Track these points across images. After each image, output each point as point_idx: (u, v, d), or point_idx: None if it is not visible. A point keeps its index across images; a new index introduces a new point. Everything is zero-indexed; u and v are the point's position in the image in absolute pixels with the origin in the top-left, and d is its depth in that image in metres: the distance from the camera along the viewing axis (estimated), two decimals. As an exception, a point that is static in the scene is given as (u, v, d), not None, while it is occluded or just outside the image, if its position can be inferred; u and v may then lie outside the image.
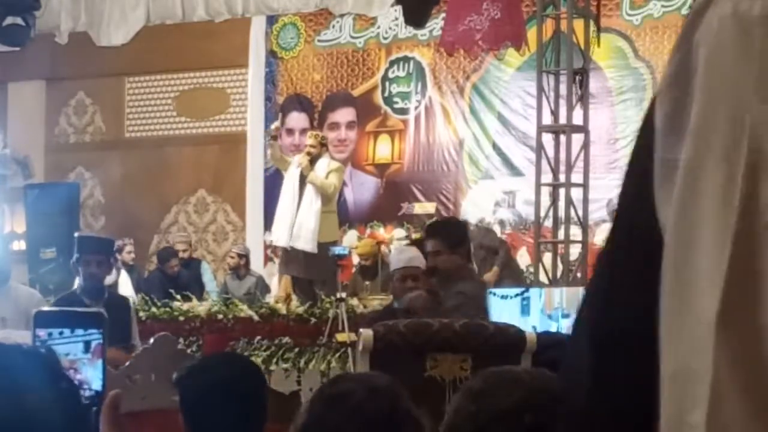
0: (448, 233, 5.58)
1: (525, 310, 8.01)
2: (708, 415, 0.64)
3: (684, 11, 11.98)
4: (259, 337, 8.50)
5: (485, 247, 10.11)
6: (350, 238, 12.18)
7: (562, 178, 10.14)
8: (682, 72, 0.71)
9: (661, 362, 0.68)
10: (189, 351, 7.59)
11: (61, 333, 1.41)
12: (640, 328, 0.71)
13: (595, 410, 0.80)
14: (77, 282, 6.09)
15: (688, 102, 0.70)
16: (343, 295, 8.30)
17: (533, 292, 8.33)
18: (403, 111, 12.83)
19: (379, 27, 12.91)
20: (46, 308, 3.29)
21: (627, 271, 0.78)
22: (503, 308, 7.80)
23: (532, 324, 7.28)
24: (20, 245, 11.96)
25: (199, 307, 9.14)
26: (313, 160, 9.36)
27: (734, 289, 0.65)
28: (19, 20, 11.61)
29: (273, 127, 10.19)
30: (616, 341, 0.78)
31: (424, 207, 12.50)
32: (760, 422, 0.63)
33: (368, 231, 12.61)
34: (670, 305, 0.68)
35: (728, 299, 0.65)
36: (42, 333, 1.42)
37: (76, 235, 6.55)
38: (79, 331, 1.42)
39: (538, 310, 8.01)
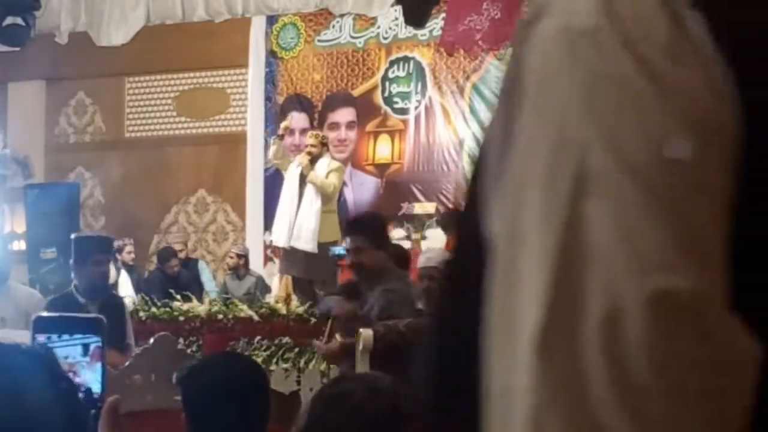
0: (373, 229, 5.42)
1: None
2: None
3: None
4: (259, 337, 8.50)
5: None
6: (350, 238, 12.16)
7: (562, 178, 10.14)
8: (513, 84, 0.69)
9: (486, 378, 0.66)
10: (189, 351, 7.59)
11: (60, 337, 1.41)
12: (471, 340, 0.70)
13: (430, 417, 0.80)
14: (74, 282, 6.08)
15: (517, 115, 0.68)
16: (343, 295, 8.30)
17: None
18: (403, 111, 12.83)
19: (379, 27, 12.91)
20: (45, 314, 3.29)
21: (462, 282, 0.76)
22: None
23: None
24: (20, 245, 11.95)
25: (199, 307, 9.14)
26: (313, 160, 9.36)
27: (556, 310, 0.63)
28: (19, 20, 11.60)
29: (282, 126, 10.19)
30: (450, 351, 0.77)
31: (424, 207, 12.50)
32: None
33: (368, 231, 12.59)
34: (495, 322, 0.67)
35: (549, 319, 0.63)
36: (41, 338, 1.42)
37: (73, 236, 6.53)
38: (78, 335, 1.42)
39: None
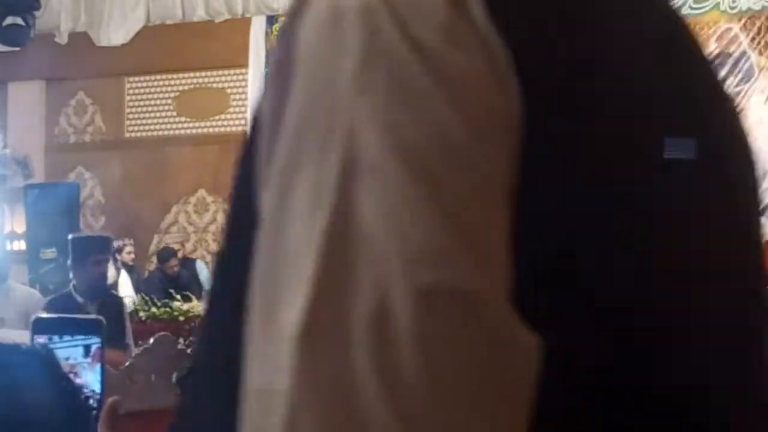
0: None
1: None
2: None
3: (684, 11, 11.97)
4: (259, 337, 8.50)
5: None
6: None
7: (562, 178, 10.13)
8: (284, 63, 0.66)
9: (245, 371, 0.62)
10: (189, 351, 7.59)
11: (61, 337, 1.41)
12: (236, 331, 0.64)
13: (187, 396, 0.76)
14: (72, 282, 6.07)
15: (287, 97, 0.65)
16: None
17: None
18: (403, 111, 12.82)
19: (379, 27, 12.91)
20: (44, 315, 3.30)
21: (232, 264, 0.71)
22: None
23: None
24: (20, 245, 11.96)
25: (199, 307, 9.14)
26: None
27: (321, 304, 0.59)
28: (19, 20, 11.60)
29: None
30: (214, 340, 0.72)
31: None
32: None
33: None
34: (256, 313, 0.62)
35: (314, 314, 0.59)
36: (41, 339, 1.42)
37: (71, 236, 6.52)
38: (79, 336, 1.42)
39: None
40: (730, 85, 11.67)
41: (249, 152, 0.69)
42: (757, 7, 11.74)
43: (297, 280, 0.60)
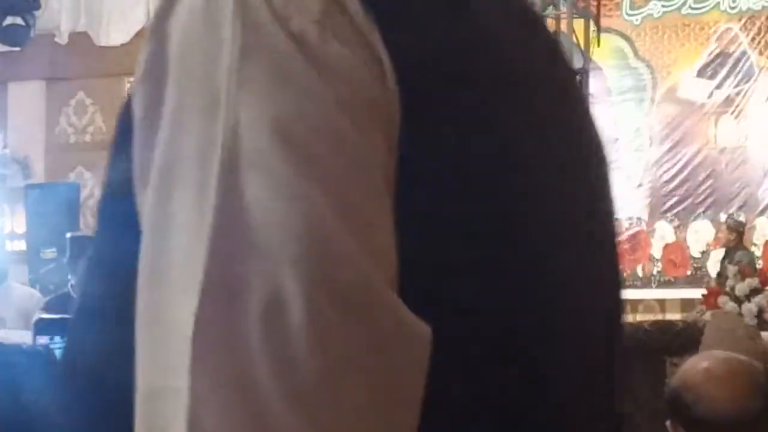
0: None
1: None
2: None
3: (684, 11, 11.97)
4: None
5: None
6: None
7: (562, 178, 10.12)
8: (156, 64, 0.67)
9: (137, 374, 0.61)
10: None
11: (62, 338, 1.41)
12: (113, 333, 0.65)
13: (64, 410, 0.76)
14: (71, 282, 6.07)
15: (162, 96, 0.65)
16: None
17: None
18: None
19: (379, 27, 12.90)
20: (46, 316, 3.29)
21: (107, 263, 0.71)
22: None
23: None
24: (20, 245, 11.95)
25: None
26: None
27: (212, 301, 0.59)
28: (19, 20, 11.59)
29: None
30: (88, 341, 0.72)
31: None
32: None
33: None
34: (145, 315, 0.62)
35: (206, 311, 0.59)
36: (43, 339, 1.42)
37: (68, 235, 6.50)
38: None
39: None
40: (730, 85, 11.68)
41: (120, 152, 0.69)
42: (757, 7, 11.74)
43: (188, 279, 0.60)
